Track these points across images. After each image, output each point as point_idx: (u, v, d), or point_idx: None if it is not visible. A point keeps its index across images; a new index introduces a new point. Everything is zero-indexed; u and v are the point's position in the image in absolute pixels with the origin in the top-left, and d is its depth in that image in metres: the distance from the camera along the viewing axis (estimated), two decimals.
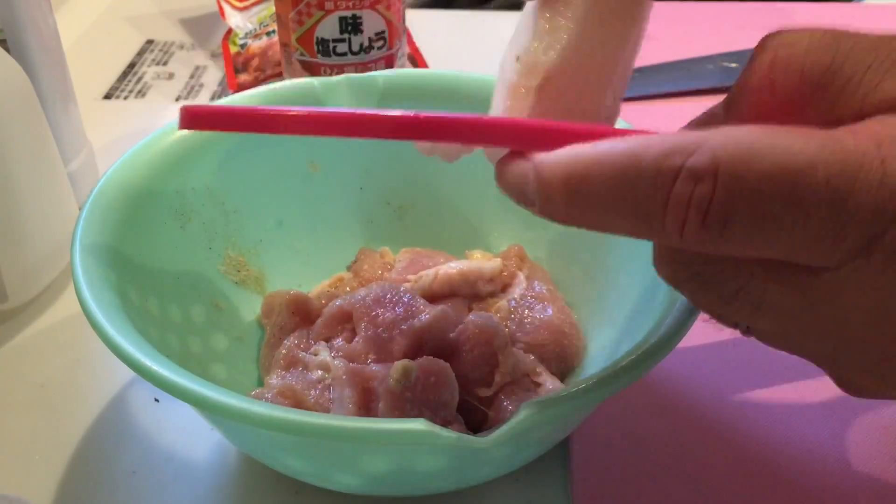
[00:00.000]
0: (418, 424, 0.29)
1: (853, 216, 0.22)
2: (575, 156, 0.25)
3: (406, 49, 0.60)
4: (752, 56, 0.27)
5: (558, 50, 0.30)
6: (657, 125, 0.52)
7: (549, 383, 0.38)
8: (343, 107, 0.45)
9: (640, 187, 0.24)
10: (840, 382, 0.28)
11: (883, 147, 0.22)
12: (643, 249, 0.39)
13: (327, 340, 0.40)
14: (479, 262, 0.44)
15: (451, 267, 0.43)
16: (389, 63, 0.57)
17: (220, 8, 0.71)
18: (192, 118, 0.29)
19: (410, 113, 0.27)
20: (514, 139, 0.27)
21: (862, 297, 0.24)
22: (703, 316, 0.34)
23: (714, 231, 0.23)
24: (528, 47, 0.30)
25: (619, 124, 0.34)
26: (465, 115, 0.27)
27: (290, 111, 0.28)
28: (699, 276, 0.26)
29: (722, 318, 0.28)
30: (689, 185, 0.23)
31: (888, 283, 0.23)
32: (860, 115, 0.24)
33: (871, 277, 0.23)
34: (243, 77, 0.67)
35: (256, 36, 0.69)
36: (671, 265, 0.27)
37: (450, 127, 0.27)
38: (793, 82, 0.26)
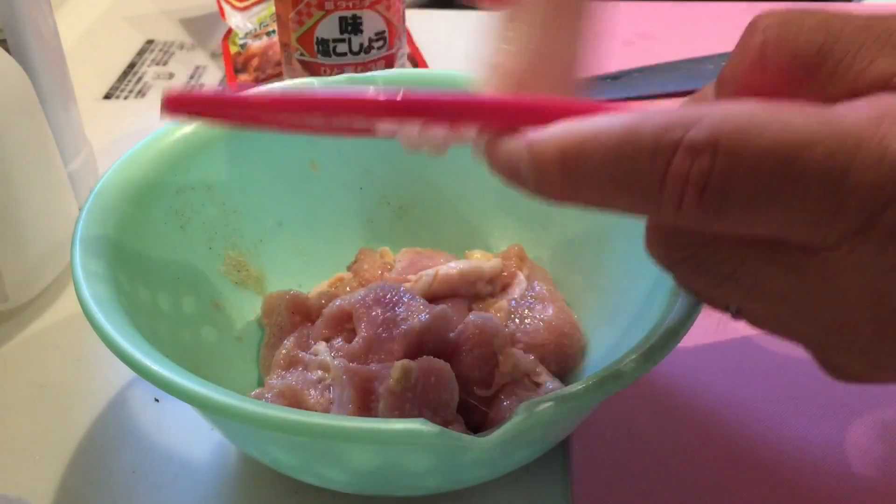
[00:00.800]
0: (418, 424, 0.29)
1: (852, 194, 0.22)
2: (570, 131, 0.25)
3: (406, 49, 0.60)
4: (742, 37, 0.27)
5: (527, 54, 0.30)
6: None
7: (549, 383, 0.38)
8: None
9: (637, 161, 0.24)
10: (826, 366, 0.28)
11: (882, 125, 0.22)
12: (643, 249, 0.40)
13: (327, 340, 0.40)
14: (479, 262, 0.44)
15: (451, 267, 0.43)
16: (389, 63, 0.57)
17: (220, 8, 0.71)
18: (174, 104, 0.29)
19: (394, 94, 0.26)
20: (504, 117, 0.26)
21: (858, 279, 0.24)
22: (702, 317, 0.34)
23: (712, 206, 0.23)
24: (501, 54, 0.31)
25: None
26: (451, 95, 0.27)
27: (273, 96, 0.27)
28: (692, 259, 0.26)
29: (712, 300, 0.28)
30: (688, 159, 0.23)
31: (885, 265, 0.23)
32: (853, 95, 0.24)
33: (868, 258, 0.23)
34: (243, 77, 0.67)
35: (256, 36, 0.69)
36: (663, 247, 0.26)
37: (435, 107, 0.26)
38: (785, 63, 0.26)
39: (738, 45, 0.27)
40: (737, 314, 0.28)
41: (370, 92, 0.27)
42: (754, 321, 0.28)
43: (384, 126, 0.29)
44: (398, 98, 0.26)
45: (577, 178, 0.25)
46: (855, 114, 0.23)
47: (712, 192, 0.23)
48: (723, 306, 0.28)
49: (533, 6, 0.31)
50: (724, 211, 0.23)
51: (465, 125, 0.27)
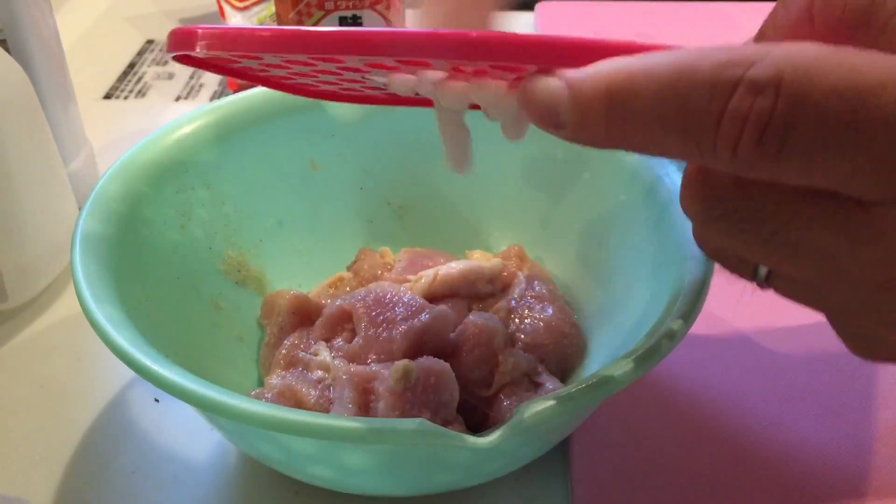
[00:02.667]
0: (418, 424, 0.29)
1: None
2: (616, 68, 0.23)
3: None
4: None
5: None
6: None
7: (549, 383, 0.38)
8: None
9: (692, 100, 0.22)
10: (855, 340, 0.27)
11: None
12: (643, 249, 0.40)
13: (327, 340, 0.40)
14: (479, 262, 0.44)
15: (451, 267, 0.43)
16: None
17: (220, 8, 0.71)
18: (183, 39, 0.28)
19: (422, 30, 0.25)
20: (538, 56, 0.24)
21: None
22: (703, 317, 0.34)
23: (771, 150, 0.22)
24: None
25: None
26: (480, 34, 0.24)
27: (286, 31, 0.26)
28: (735, 214, 0.24)
29: (742, 264, 0.27)
30: (749, 98, 0.21)
31: None
32: None
33: None
34: None
35: None
36: (704, 200, 0.24)
37: (463, 45, 0.24)
38: (833, 17, 0.24)
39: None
40: (766, 281, 0.26)
41: (390, 29, 0.25)
42: (785, 287, 0.26)
43: (401, 79, 0.27)
44: (420, 34, 0.24)
45: (622, 120, 0.23)
46: None
47: (773, 135, 0.22)
48: (751, 272, 0.26)
49: None
50: (784, 157, 0.22)
51: (496, 66, 0.25)
